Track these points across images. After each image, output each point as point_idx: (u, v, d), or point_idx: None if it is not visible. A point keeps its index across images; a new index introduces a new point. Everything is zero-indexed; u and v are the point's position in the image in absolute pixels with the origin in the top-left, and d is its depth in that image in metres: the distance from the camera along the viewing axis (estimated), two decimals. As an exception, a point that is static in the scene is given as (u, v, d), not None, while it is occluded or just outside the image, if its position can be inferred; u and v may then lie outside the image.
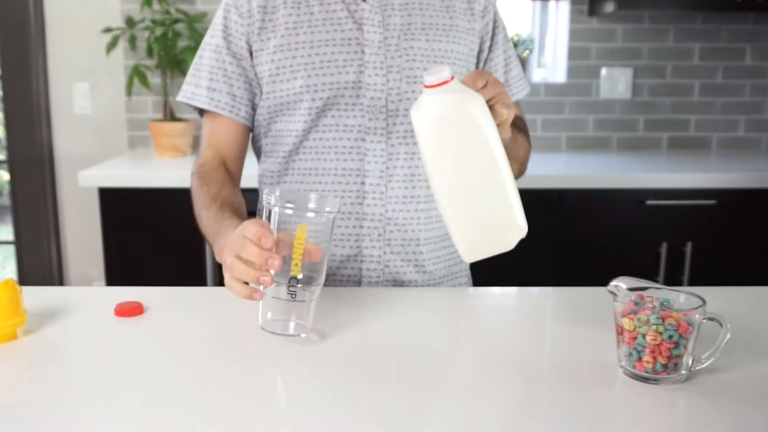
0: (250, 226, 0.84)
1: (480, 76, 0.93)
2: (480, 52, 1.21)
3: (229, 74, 1.16)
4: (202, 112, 1.21)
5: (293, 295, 0.83)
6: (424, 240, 1.17)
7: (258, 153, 1.25)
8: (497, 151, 0.92)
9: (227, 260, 0.86)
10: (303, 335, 0.86)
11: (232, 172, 1.20)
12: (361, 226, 1.13)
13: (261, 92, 1.16)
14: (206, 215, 1.08)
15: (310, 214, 0.82)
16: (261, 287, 0.83)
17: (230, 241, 0.88)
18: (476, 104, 0.90)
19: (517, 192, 0.95)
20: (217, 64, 1.16)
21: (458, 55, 1.16)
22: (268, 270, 0.81)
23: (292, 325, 0.85)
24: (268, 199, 0.84)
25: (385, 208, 1.13)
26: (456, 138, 0.91)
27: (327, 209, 0.83)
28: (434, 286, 1.20)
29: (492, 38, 1.22)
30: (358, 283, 1.15)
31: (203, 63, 1.18)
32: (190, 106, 1.19)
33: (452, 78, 0.90)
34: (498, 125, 0.93)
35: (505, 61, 1.25)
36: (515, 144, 1.14)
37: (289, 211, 0.82)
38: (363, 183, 1.13)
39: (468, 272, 1.29)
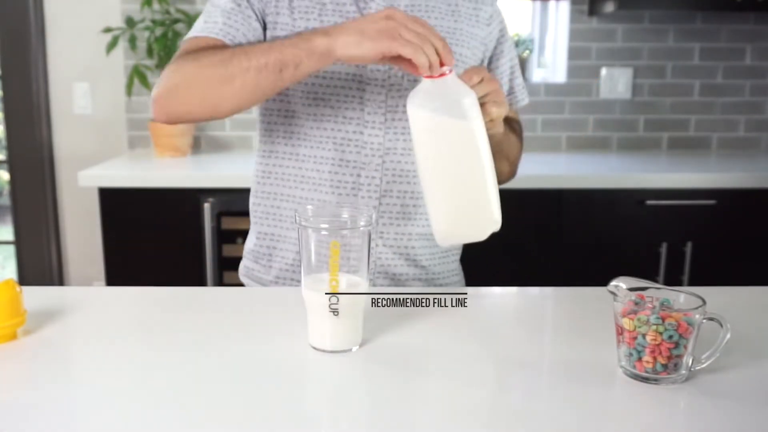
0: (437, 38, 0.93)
1: (476, 72, 0.99)
2: (482, 60, 1.22)
3: (246, 18, 1.08)
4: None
5: (335, 313, 0.83)
6: (417, 235, 1.18)
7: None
8: (482, 146, 0.98)
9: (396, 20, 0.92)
10: (354, 349, 0.86)
11: None
12: None
13: None
14: (262, 46, 1.00)
15: (345, 231, 0.83)
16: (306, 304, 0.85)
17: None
18: (469, 101, 0.96)
19: (496, 188, 1.01)
20: (236, 9, 1.08)
21: (461, 57, 1.16)
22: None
23: (339, 342, 0.85)
24: (300, 220, 0.83)
25: (380, 201, 1.15)
26: (446, 130, 0.97)
27: (362, 224, 0.83)
28: (426, 281, 1.21)
29: (496, 48, 1.24)
30: None
31: (218, 8, 1.09)
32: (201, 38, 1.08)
33: (450, 72, 0.96)
34: (489, 122, 1.00)
35: (510, 70, 1.27)
36: (507, 142, 1.21)
37: (324, 232, 0.82)
38: (359, 175, 1.14)
39: (460, 270, 1.30)
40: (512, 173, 1.31)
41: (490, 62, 1.24)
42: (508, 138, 1.20)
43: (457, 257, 1.29)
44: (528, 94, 1.32)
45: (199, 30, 1.10)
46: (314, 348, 0.86)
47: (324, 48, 0.95)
